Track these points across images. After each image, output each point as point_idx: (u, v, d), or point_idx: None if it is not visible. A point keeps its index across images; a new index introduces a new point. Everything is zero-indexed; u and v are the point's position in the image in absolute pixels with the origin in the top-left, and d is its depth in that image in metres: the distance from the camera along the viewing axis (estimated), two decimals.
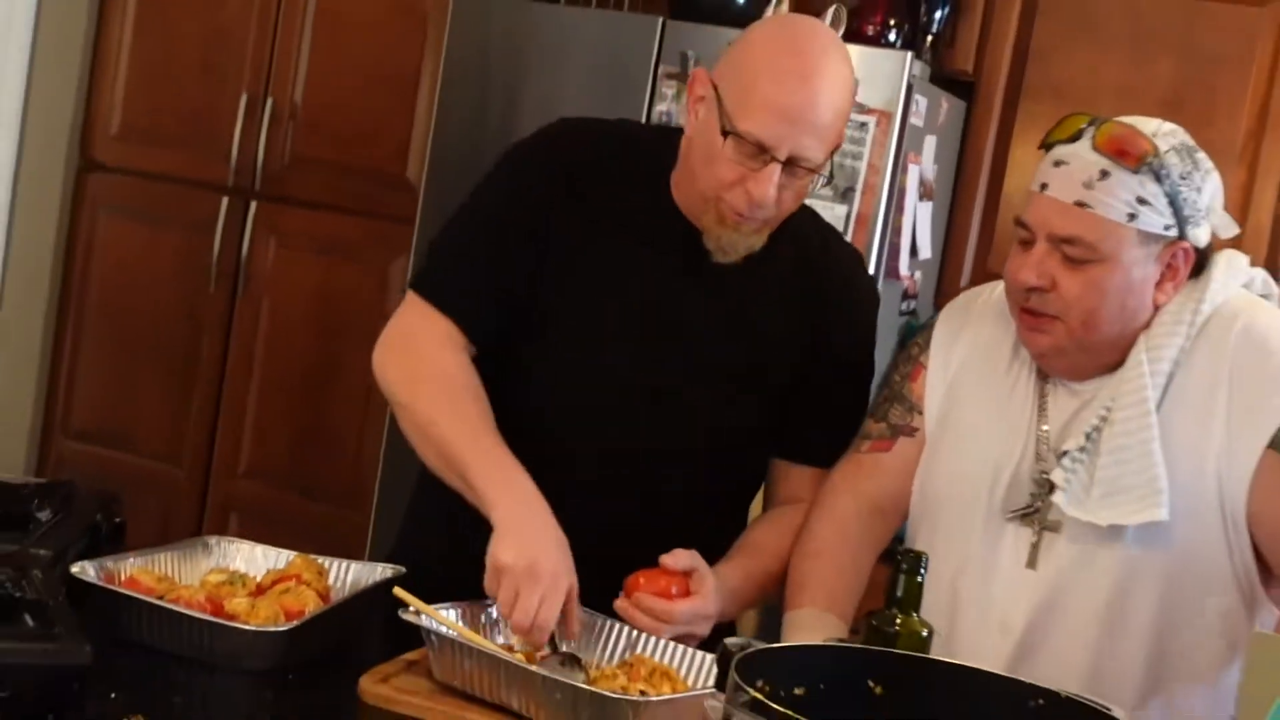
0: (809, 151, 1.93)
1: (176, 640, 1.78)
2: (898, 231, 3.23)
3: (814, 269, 2.11)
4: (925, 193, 3.35)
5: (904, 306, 3.41)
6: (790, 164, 1.92)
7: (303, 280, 3.88)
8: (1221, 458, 1.83)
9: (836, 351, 2.12)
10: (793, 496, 2.14)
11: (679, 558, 1.92)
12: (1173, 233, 1.85)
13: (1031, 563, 1.91)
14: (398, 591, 1.81)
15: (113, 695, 1.61)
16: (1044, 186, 1.86)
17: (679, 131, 2.07)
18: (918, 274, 3.41)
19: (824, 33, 1.98)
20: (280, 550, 2.05)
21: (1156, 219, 1.83)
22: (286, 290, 3.90)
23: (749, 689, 1.25)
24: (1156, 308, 1.88)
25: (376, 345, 2.06)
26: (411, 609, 1.81)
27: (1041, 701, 1.36)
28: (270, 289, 3.92)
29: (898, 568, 1.56)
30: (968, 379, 2.03)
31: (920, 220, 3.34)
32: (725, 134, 1.92)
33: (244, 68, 3.90)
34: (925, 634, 1.55)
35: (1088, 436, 1.88)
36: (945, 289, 3.57)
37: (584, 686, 1.70)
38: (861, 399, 2.17)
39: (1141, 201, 1.82)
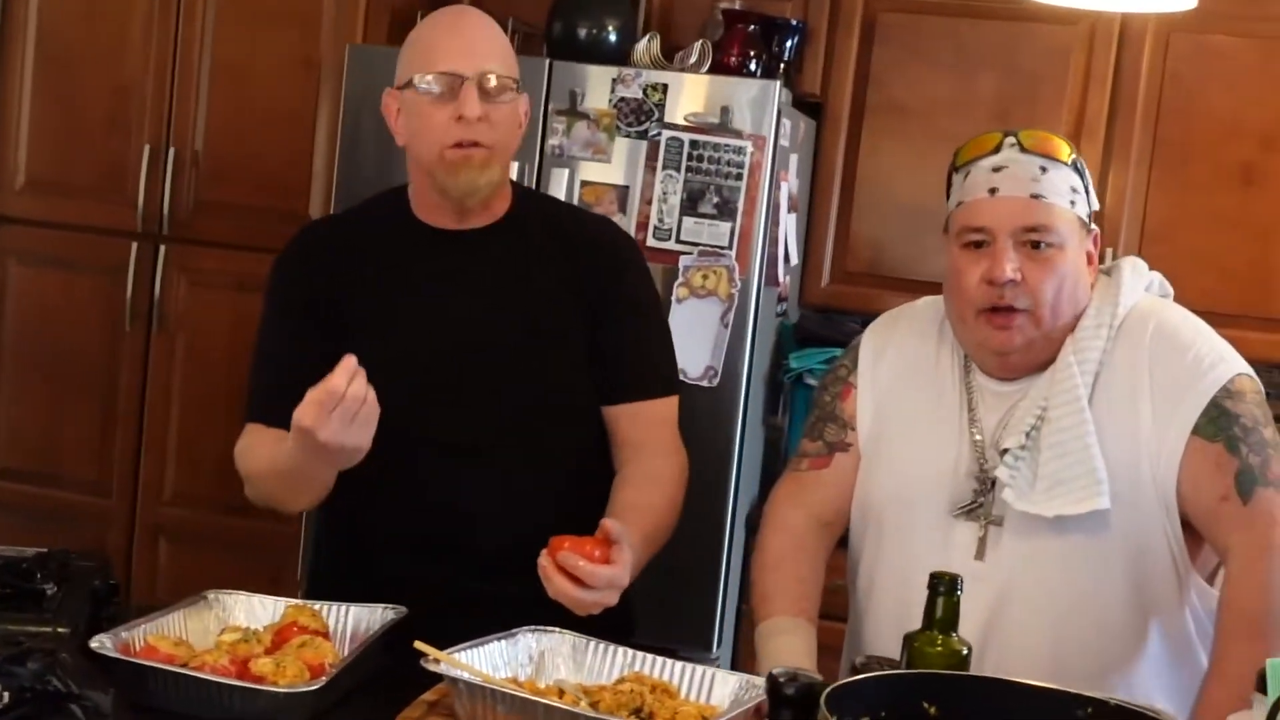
0: (489, 64, 1.93)
1: (205, 705, 1.62)
2: (775, 243, 3.16)
3: (565, 227, 2.07)
4: (792, 205, 3.29)
5: (779, 309, 3.35)
6: (484, 90, 1.92)
7: (215, 315, 3.66)
8: (1150, 445, 1.81)
9: (616, 292, 2.04)
10: (630, 438, 2.04)
11: (615, 525, 1.80)
12: (1090, 221, 1.87)
13: (979, 555, 1.85)
14: (419, 645, 1.67)
15: None
16: (993, 191, 1.83)
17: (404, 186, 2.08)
18: (787, 278, 3.34)
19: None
20: (276, 599, 1.91)
21: (1084, 207, 1.86)
22: (200, 325, 3.68)
23: None
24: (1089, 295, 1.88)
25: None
26: (432, 658, 1.65)
27: (1090, 710, 1.28)
28: (184, 325, 3.69)
29: (934, 591, 1.47)
30: (897, 392, 1.97)
31: (790, 231, 3.28)
32: (416, 90, 1.93)
33: (144, 119, 3.65)
34: (965, 652, 1.46)
35: (1027, 434, 1.84)
36: (808, 289, 3.54)
37: None
38: (661, 332, 2.11)
39: (1074, 190, 1.84)
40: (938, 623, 1.47)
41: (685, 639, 2.95)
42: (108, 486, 3.76)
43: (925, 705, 1.30)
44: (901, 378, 1.96)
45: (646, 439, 2.04)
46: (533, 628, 1.77)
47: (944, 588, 1.47)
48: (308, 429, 1.72)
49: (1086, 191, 1.86)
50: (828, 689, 1.25)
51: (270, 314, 2.09)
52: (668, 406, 2.08)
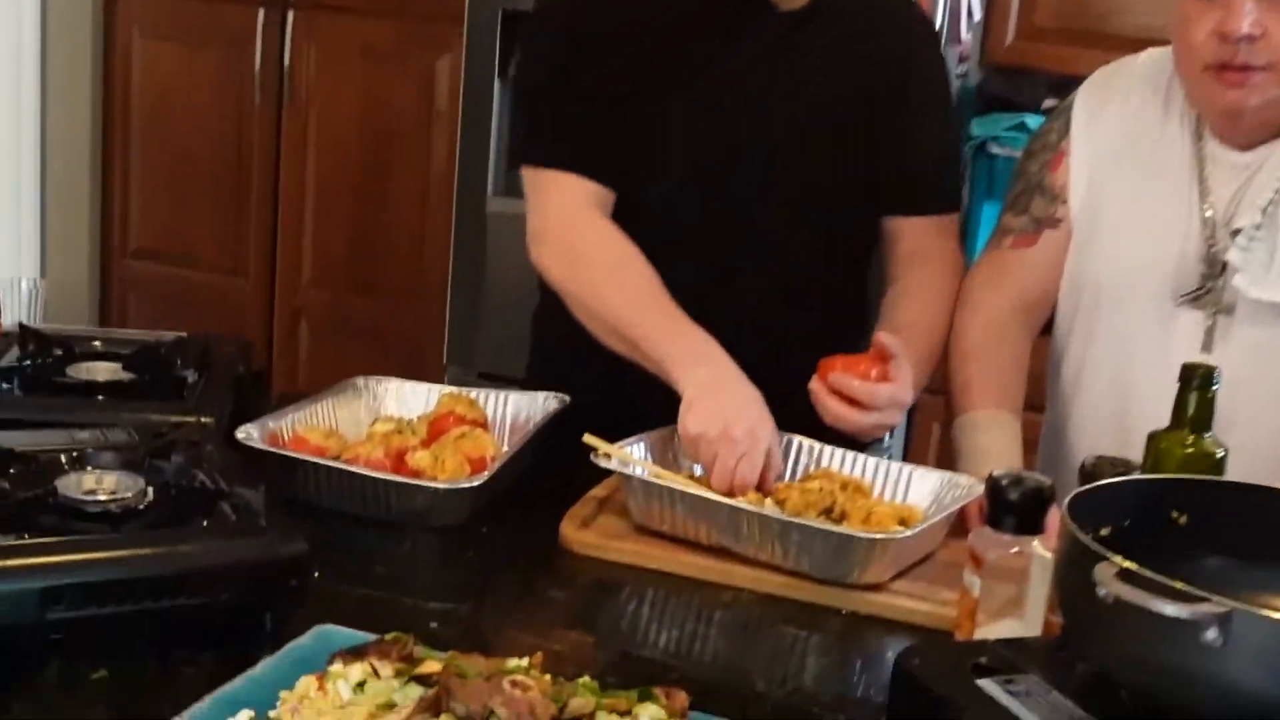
0: None
1: (359, 502, 1.53)
2: None
3: (872, 11, 1.88)
4: None
5: (959, 70, 3.12)
6: None
7: (347, 87, 3.53)
8: None
9: (914, 88, 1.87)
10: (913, 251, 1.90)
11: (891, 339, 1.65)
12: None
13: (1206, 347, 1.69)
14: (588, 438, 1.55)
15: (317, 574, 1.35)
16: None
17: None
18: (968, 36, 3.10)
19: None
20: (430, 386, 1.81)
21: None
22: (332, 98, 3.56)
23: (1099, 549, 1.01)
24: None
25: (528, 243, 1.81)
26: (603, 453, 1.54)
27: None
28: (316, 98, 3.57)
29: (1186, 385, 1.30)
30: (1115, 160, 1.78)
31: None
32: None
33: None
34: (1220, 455, 1.30)
35: (1264, 211, 1.64)
36: (991, 47, 3.26)
37: (821, 526, 1.44)
38: (953, 133, 1.97)
39: None
40: (1189, 421, 1.31)
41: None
42: (244, 268, 3.72)
43: (1174, 514, 1.14)
44: (1121, 143, 1.77)
45: (931, 253, 1.89)
46: None
47: (1198, 381, 1.31)
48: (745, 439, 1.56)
49: None
50: (1070, 497, 1.11)
51: (548, 43, 1.86)
52: (954, 222, 1.95)
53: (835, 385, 1.61)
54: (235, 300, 3.73)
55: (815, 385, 1.63)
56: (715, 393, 1.59)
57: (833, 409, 1.62)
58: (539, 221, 1.80)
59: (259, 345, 3.64)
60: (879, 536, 1.43)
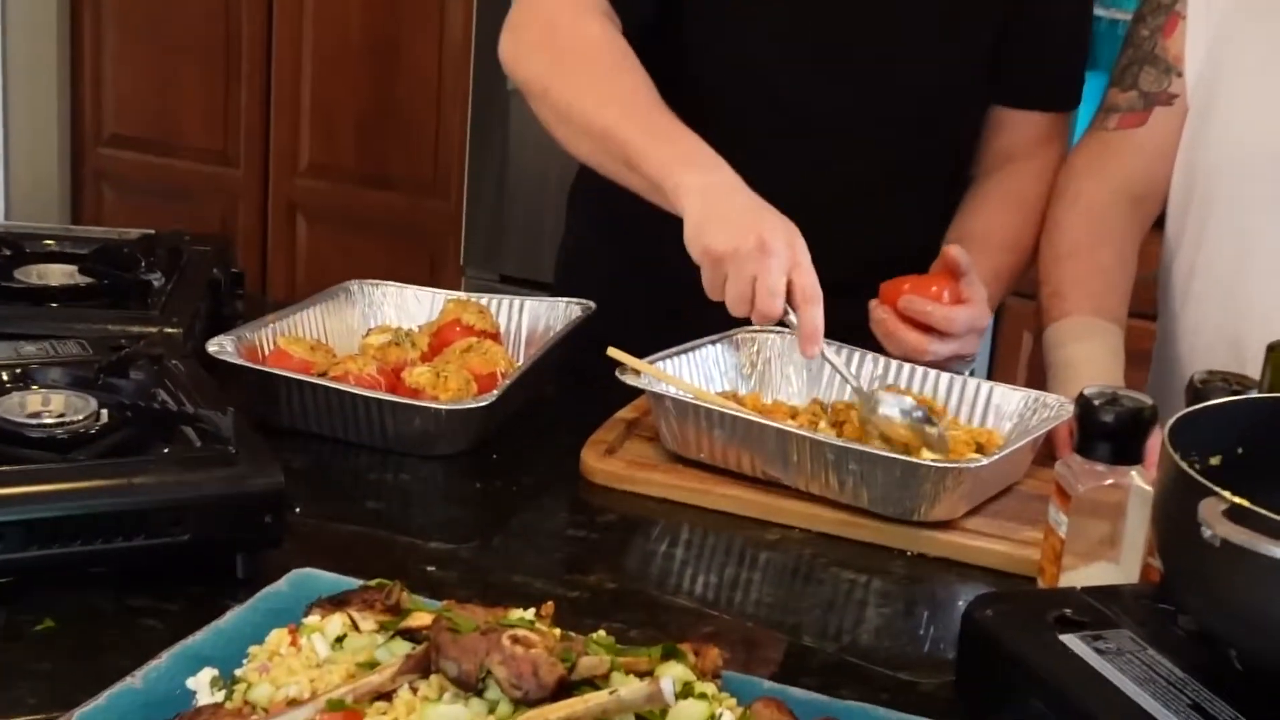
0: None
1: (349, 425, 1.51)
2: None
3: None
4: None
5: None
6: None
7: None
8: None
9: None
10: (1009, 151, 1.85)
11: (961, 253, 1.59)
12: None
13: None
14: (613, 352, 1.51)
15: (297, 509, 1.34)
16: None
17: None
18: None
19: None
20: (434, 291, 1.78)
21: None
22: None
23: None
24: None
25: (502, 33, 1.71)
26: (630, 369, 1.50)
27: None
28: None
29: None
30: (1239, 24, 1.73)
31: None
32: None
33: None
34: None
35: None
36: None
37: (884, 453, 1.40)
38: (1084, 21, 1.90)
39: None
40: None
41: None
42: (234, 156, 3.72)
43: None
44: (1246, 5, 1.72)
45: (1033, 155, 1.85)
46: (754, 328, 1.60)
47: None
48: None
49: None
50: (1173, 420, 1.07)
51: None
52: (1065, 123, 1.89)
53: (908, 310, 1.56)
54: (224, 192, 3.73)
55: (883, 313, 1.59)
56: (730, 199, 1.49)
57: (907, 339, 1.57)
58: (524, 11, 1.72)
59: (252, 244, 3.65)
60: (951, 465, 1.39)
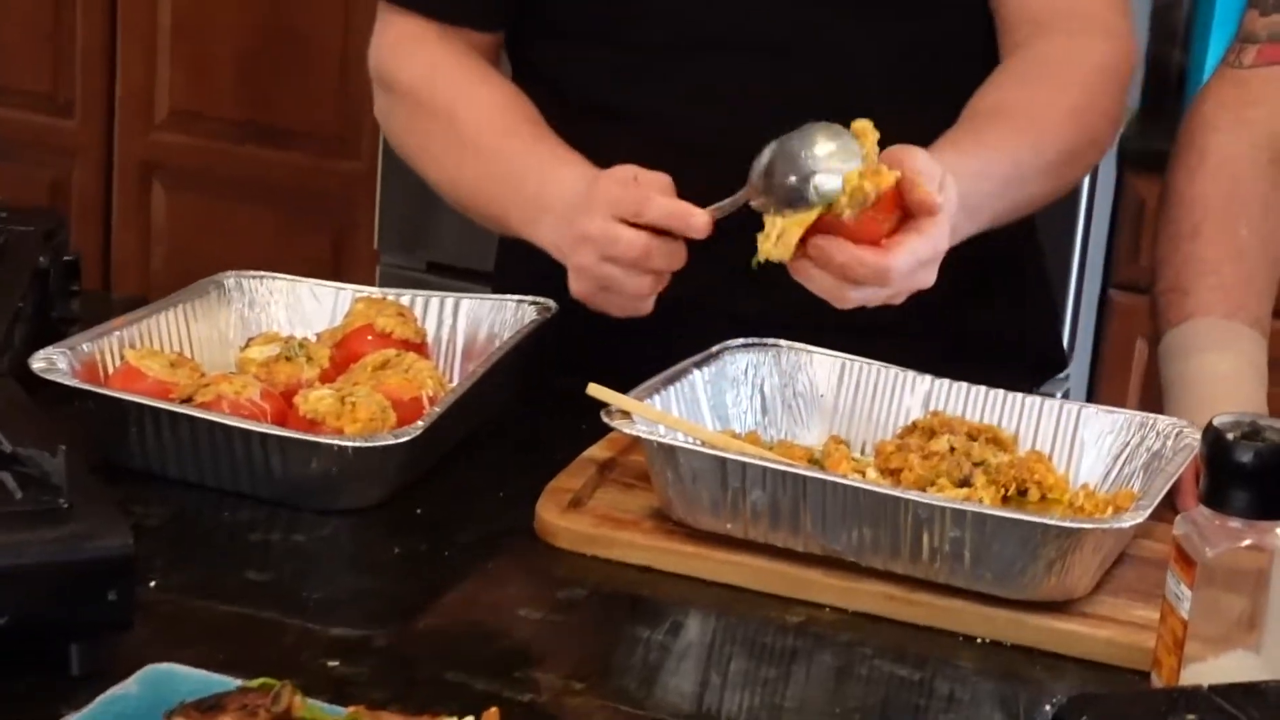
0: None
1: (225, 470, 1.55)
2: None
3: None
4: None
5: None
6: None
7: None
8: None
9: None
10: (1032, 12, 1.90)
11: (917, 156, 1.60)
12: None
13: None
14: (594, 389, 1.53)
15: (152, 582, 1.37)
16: None
17: None
18: None
19: None
20: (338, 286, 1.84)
21: None
22: None
23: None
24: None
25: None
26: (618, 412, 1.53)
27: None
28: None
29: None
30: None
31: None
32: None
33: None
34: None
35: None
36: None
37: (1003, 512, 1.43)
38: None
39: None
40: None
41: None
42: (69, 103, 3.78)
43: None
44: None
45: (1063, 12, 1.89)
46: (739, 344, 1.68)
47: None
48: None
49: None
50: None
51: None
52: None
53: (821, 260, 1.57)
54: (54, 150, 3.80)
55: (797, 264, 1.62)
56: (567, 229, 1.69)
57: (818, 283, 1.59)
58: (372, 52, 1.99)
59: (92, 221, 3.69)
60: (1089, 526, 1.41)
